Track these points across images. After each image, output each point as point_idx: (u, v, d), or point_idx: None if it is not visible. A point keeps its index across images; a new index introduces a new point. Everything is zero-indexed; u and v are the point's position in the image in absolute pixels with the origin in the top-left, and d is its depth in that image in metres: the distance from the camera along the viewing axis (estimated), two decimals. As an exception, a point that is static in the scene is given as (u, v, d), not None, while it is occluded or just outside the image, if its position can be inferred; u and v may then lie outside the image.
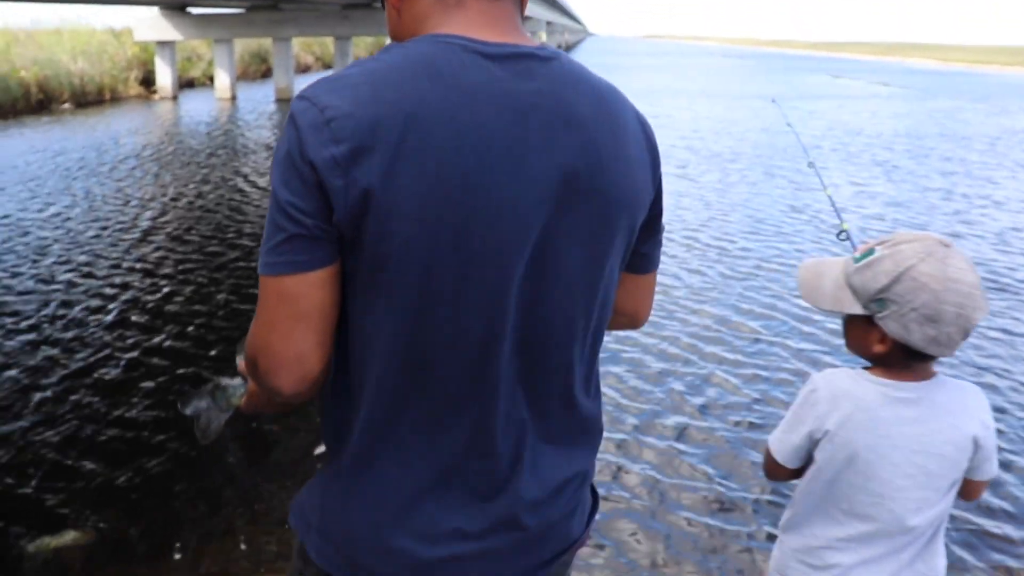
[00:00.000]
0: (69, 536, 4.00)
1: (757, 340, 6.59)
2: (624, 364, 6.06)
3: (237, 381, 1.55)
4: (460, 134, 1.13)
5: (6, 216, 10.43)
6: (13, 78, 21.69)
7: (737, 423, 5.21)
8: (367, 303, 1.20)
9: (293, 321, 1.18)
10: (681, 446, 4.90)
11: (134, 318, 6.96)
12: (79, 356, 6.16)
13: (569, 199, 1.22)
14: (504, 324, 1.23)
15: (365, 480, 1.29)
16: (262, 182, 12.73)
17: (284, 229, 1.15)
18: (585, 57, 59.54)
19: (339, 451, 1.32)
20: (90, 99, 24.64)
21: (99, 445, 4.89)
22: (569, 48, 71.57)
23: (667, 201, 8.59)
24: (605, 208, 1.25)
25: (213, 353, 6.22)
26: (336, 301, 1.21)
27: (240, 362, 1.46)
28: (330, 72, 1.25)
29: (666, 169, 13.65)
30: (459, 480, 1.28)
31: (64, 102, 23.47)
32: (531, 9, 42.63)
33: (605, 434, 4.95)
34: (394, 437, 1.26)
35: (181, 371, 5.90)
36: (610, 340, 6.40)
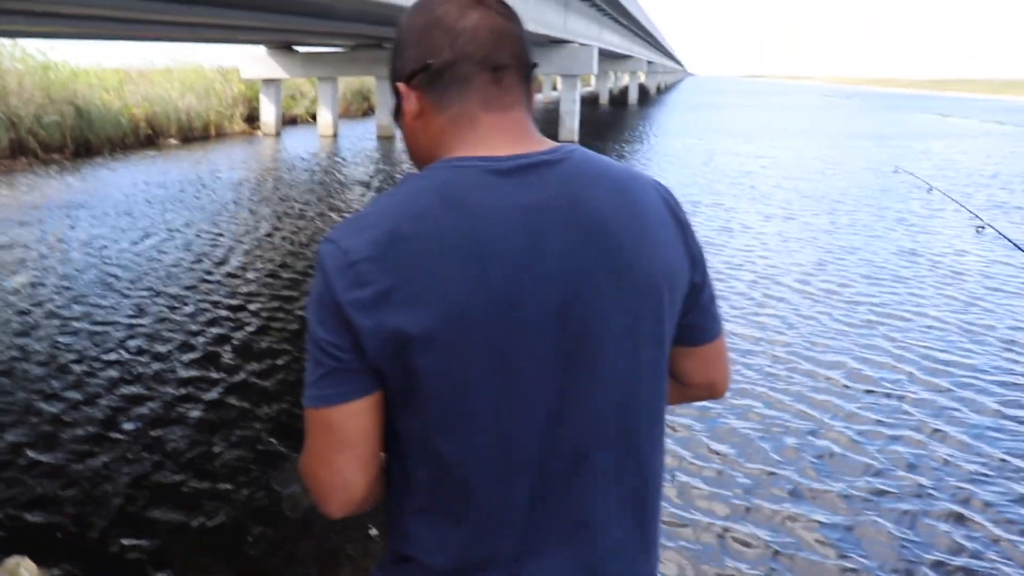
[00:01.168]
0: None
1: (875, 393, 6.09)
2: (732, 416, 5.64)
3: None
4: (480, 257, 1.16)
5: (101, 247, 10.52)
6: (124, 114, 22.31)
7: (857, 486, 4.73)
8: (416, 427, 1.23)
9: (336, 450, 1.23)
10: (794, 508, 4.47)
11: (219, 355, 6.81)
12: (161, 392, 6.01)
13: (599, 297, 1.22)
14: (553, 433, 1.23)
15: None
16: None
17: (323, 364, 1.20)
18: (684, 96, 59.15)
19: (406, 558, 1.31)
20: (196, 134, 25.27)
21: (177, 486, 4.70)
22: (668, 88, 71.14)
23: (775, 242, 8.21)
24: (639, 298, 1.25)
25: (296, 394, 6.01)
26: (378, 427, 1.24)
27: None
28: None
29: (771, 211, 13.33)
30: None
31: (171, 137, 24.07)
32: (632, 49, 42.52)
33: (711, 494, 4.61)
34: (454, 553, 1.26)
35: (264, 411, 5.70)
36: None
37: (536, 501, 1.24)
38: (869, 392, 6.13)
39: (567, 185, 1.23)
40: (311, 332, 1.21)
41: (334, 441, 1.22)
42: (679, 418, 5.56)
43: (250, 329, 7.52)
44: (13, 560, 3.70)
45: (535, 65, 1.35)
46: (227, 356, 6.82)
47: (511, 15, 1.32)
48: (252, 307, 8.19)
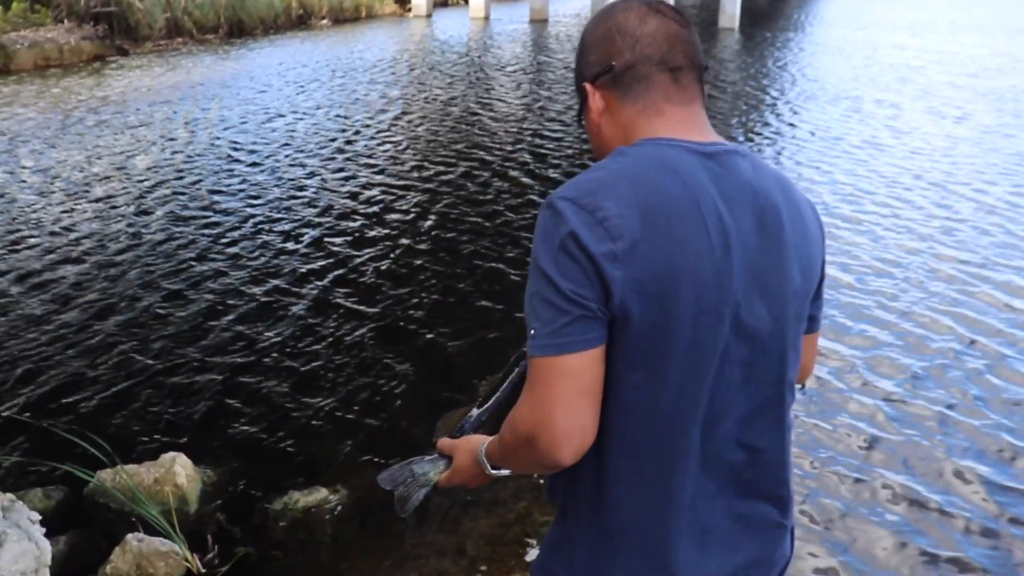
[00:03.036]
0: (320, 495, 3.71)
1: None
2: (887, 335, 5.26)
3: (435, 457, 1.65)
4: (705, 224, 1.30)
5: (231, 127, 10.63)
6: (276, -6, 22.35)
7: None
8: (631, 377, 1.32)
9: (577, 396, 1.29)
10: (938, 431, 4.16)
11: (330, 246, 6.74)
12: (270, 284, 5.99)
13: (778, 270, 1.39)
14: (763, 385, 1.41)
15: (623, 543, 1.40)
16: (496, 105, 12.41)
17: (568, 312, 1.28)
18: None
19: (591, 515, 1.42)
20: (346, 15, 25.18)
21: (360, 398, 4.62)
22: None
23: (946, 145, 7.59)
24: (805, 277, 1.44)
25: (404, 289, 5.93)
26: (603, 377, 1.32)
27: (442, 440, 1.64)
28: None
29: (943, 110, 12.37)
30: (710, 533, 1.42)
31: (322, 18, 24.05)
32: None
33: (856, 414, 4.33)
34: (649, 497, 1.38)
35: (369, 309, 5.61)
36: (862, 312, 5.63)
37: (723, 450, 1.40)
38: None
39: (751, 175, 1.39)
40: (551, 283, 1.28)
41: (577, 388, 1.29)
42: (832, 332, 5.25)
43: (363, 220, 7.45)
44: (169, 456, 3.70)
45: (707, 68, 1.50)
46: (337, 247, 6.77)
47: (685, 23, 1.46)
48: (370, 194, 8.11)
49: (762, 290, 1.37)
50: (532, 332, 1.30)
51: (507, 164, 9.43)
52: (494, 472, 1.52)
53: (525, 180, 8.92)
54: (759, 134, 11.43)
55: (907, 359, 5.05)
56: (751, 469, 1.44)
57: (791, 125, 11.82)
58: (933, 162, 9.71)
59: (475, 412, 1.66)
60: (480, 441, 1.54)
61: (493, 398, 1.63)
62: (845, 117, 12.25)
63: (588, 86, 1.47)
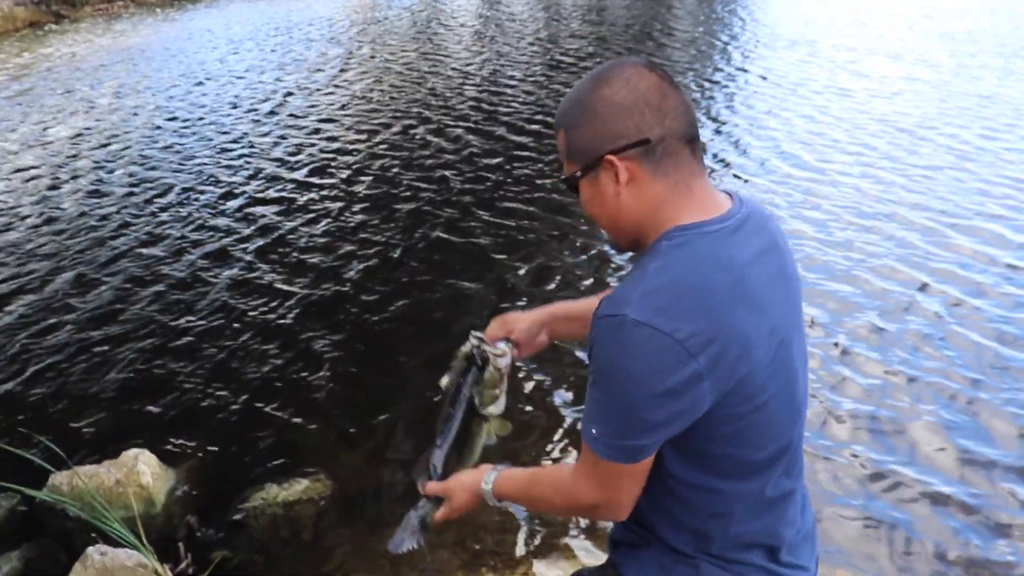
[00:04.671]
0: (300, 487, 3.45)
1: (1007, 264, 5.44)
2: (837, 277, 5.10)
3: (425, 502, 1.85)
4: (759, 305, 1.43)
5: (160, 90, 10.37)
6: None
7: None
8: (714, 460, 1.49)
9: (637, 484, 1.51)
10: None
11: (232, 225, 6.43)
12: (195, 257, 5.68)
13: (799, 312, 1.60)
14: (801, 416, 1.59)
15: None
16: (442, 61, 12.10)
17: (638, 439, 1.42)
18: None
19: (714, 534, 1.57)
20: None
21: (327, 388, 4.33)
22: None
23: (906, 89, 7.52)
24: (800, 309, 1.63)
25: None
26: None
27: (427, 485, 1.82)
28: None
29: (904, 53, 12.14)
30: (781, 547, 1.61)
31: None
32: None
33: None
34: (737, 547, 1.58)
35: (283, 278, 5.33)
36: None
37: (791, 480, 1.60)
38: (1004, 263, 5.53)
39: (764, 232, 1.52)
40: (634, 409, 1.38)
41: (636, 480, 1.50)
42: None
43: (297, 186, 7.14)
44: (131, 453, 3.41)
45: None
46: (271, 215, 6.46)
47: (680, 88, 1.50)
48: (303, 158, 7.85)
49: (796, 326, 1.55)
50: (594, 432, 1.43)
51: (450, 122, 9.10)
52: (499, 506, 1.72)
53: (469, 138, 8.62)
54: (715, 81, 11.20)
55: (874, 310, 4.91)
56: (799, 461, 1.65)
57: (748, 71, 11.61)
58: (896, 107, 9.55)
59: (436, 453, 1.84)
60: (476, 478, 1.71)
61: (448, 434, 1.83)
62: (803, 62, 12.05)
63: (614, 158, 1.44)
